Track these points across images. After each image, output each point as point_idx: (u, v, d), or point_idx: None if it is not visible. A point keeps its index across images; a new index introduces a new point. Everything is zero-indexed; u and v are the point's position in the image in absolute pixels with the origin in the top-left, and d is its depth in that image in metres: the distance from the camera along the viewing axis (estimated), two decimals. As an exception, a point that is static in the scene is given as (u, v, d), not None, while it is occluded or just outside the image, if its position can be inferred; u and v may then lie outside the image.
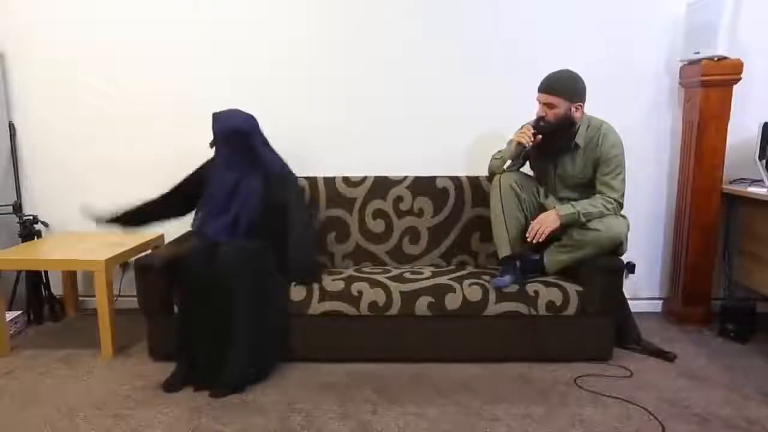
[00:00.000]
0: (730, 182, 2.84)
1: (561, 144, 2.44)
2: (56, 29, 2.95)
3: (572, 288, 2.39)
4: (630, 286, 2.99)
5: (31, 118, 3.05)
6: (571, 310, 2.37)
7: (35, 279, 2.95)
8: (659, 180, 3.00)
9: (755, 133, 2.66)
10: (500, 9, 2.87)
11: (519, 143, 2.39)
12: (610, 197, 2.38)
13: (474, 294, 2.36)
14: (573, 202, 2.41)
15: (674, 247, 2.99)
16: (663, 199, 3.02)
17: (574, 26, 2.87)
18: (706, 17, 2.62)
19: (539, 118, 2.40)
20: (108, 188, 3.06)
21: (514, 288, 2.38)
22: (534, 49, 2.88)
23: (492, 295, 2.36)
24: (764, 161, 2.62)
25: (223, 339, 2.24)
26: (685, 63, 2.81)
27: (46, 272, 3.02)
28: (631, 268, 3.00)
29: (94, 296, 3.15)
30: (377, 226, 2.83)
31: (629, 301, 2.64)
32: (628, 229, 2.46)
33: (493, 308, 2.36)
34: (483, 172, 2.88)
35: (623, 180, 2.43)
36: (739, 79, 2.67)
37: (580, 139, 2.42)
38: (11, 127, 3.04)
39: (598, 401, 2.12)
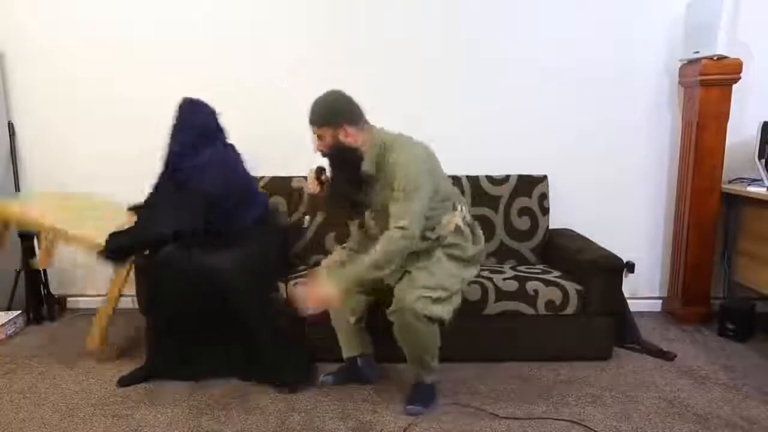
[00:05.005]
0: (730, 182, 2.85)
1: (347, 177, 2.02)
2: (56, 29, 2.95)
3: (572, 287, 2.38)
4: (630, 285, 2.99)
5: (31, 118, 3.05)
6: (571, 309, 2.37)
7: (35, 279, 2.96)
8: (659, 179, 3.00)
9: (754, 132, 2.66)
10: (500, 9, 2.87)
11: (309, 195, 2.11)
12: (397, 226, 1.86)
13: (473, 293, 2.36)
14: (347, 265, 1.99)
15: (674, 247, 2.99)
16: (662, 199, 3.02)
17: (574, 26, 2.87)
18: (705, 17, 2.62)
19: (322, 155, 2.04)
20: (108, 188, 3.06)
21: (513, 287, 2.38)
22: (534, 48, 2.89)
23: (492, 295, 2.36)
24: (763, 161, 2.62)
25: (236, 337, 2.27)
26: (685, 62, 2.81)
27: (45, 272, 3.02)
28: (630, 267, 3.01)
29: (92, 296, 3.16)
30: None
31: (629, 301, 2.65)
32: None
33: (493, 307, 2.36)
34: (483, 171, 2.88)
35: (415, 205, 1.87)
36: (739, 78, 2.67)
37: (367, 165, 1.98)
38: (11, 127, 3.04)
39: (598, 401, 2.12)
